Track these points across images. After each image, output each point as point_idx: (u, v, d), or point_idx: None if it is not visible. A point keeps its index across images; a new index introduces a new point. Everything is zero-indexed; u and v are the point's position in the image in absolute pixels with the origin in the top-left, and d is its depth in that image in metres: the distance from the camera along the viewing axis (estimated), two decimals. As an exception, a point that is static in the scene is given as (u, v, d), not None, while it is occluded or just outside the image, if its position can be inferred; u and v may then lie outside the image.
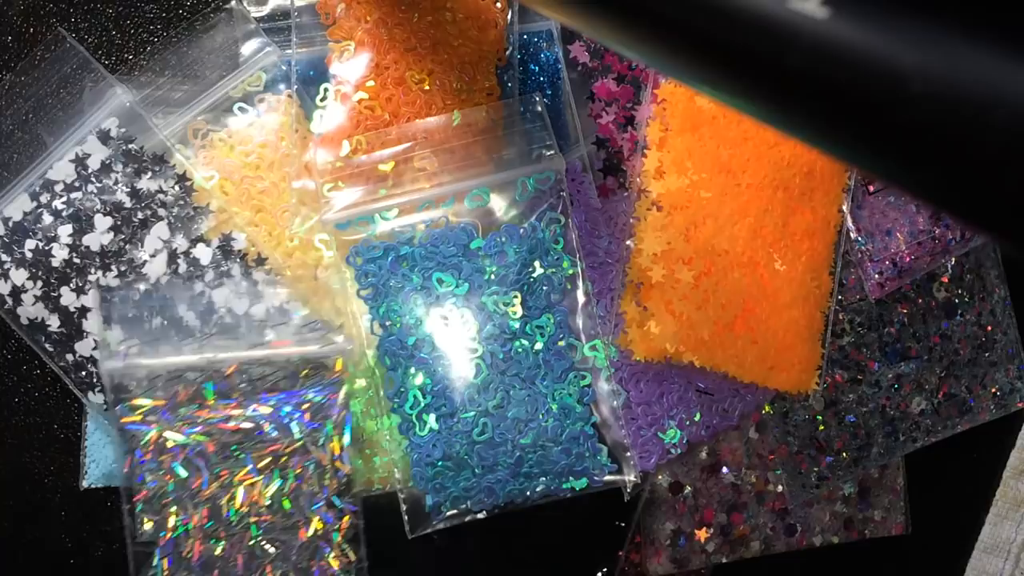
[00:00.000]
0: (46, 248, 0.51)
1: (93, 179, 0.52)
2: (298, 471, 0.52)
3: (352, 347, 0.53)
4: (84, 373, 0.52)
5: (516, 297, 0.54)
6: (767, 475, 0.63)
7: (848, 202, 0.59)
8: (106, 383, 0.51)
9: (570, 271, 0.55)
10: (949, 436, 0.65)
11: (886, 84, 0.14)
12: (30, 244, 0.51)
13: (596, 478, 0.55)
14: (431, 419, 0.53)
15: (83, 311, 0.52)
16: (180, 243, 0.52)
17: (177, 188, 0.53)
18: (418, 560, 0.60)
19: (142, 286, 0.52)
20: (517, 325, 0.54)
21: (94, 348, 0.52)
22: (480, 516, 0.54)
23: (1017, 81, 0.13)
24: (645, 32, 0.18)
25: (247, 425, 0.51)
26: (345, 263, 0.53)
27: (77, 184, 0.52)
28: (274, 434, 0.51)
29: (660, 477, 0.61)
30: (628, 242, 0.55)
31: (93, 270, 0.51)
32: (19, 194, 0.51)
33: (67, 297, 0.51)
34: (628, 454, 0.55)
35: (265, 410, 0.51)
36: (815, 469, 0.62)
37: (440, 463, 0.53)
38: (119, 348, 0.50)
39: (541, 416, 0.53)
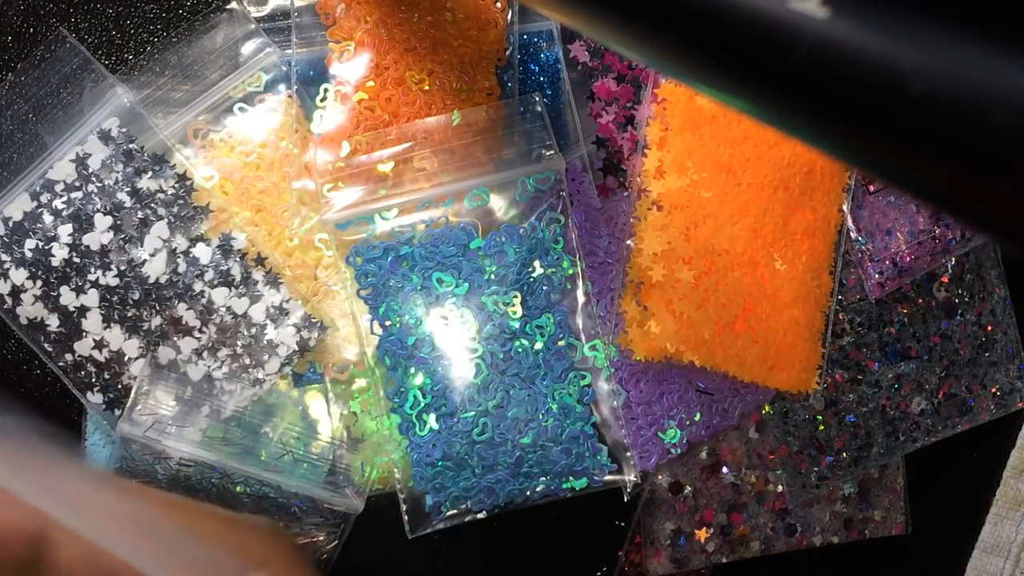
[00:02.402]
0: (46, 248, 0.51)
1: (93, 179, 0.52)
2: None
3: (360, 510, 0.54)
4: (83, 373, 0.52)
5: (516, 297, 0.54)
6: (767, 475, 0.63)
7: (848, 202, 0.59)
8: (116, 438, 0.52)
9: (570, 271, 0.55)
10: (949, 436, 0.65)
11: (886, 84, 0.14)
12: (30, 244, 0.51)
13: (596, 478, 0.55)
14: (431, 419, 0.53)
15: (82, 311, 0.51)
16: (180, 242, 0.52)
17: (177, 188, 0.53)
18: (418, 560, 0.60)
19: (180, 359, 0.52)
20: (517, 325, 0.54)
21: (93, 347, 0.52)
22: (480, 516, 0.54)
23: (1017, 81, 0.13)
24: (645, 32, 0.18)
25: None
26: (345, 263, 0.53)
27: (77, 184, 0.52)
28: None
29: (660, 477, 0.61)
30: (628, 242, 0.55)
31: (93, 269, 0.51)
32: (19, 194, 0.51)
33: (67, 297, 0.51)
34: (628, 454, 0.55)
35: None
36: (815, 469, 0.62)
37: (440, 463, 0.53)
38: (142, 418, 0.51)
39: (541, 416, 0.53)
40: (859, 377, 0.62)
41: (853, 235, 0.60)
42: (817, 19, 0.15)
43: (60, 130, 0.52)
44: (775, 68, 0.16)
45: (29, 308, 0.51)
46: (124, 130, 0.52)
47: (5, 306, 0.51)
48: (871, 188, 0.60)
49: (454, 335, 0.53)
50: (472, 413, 0.53)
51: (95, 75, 0.52)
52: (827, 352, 0.59)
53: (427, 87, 0.54)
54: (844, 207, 0.58)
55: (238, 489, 0.52)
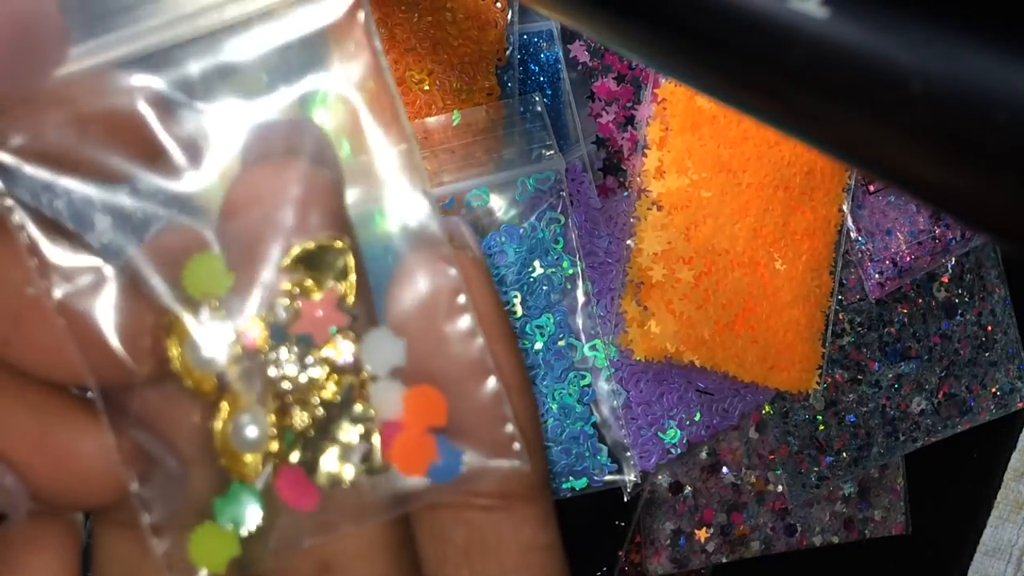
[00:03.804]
0: (46, 248, 0.51)
1: (93, 179, 0.52)
2: None
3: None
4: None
5: (516, 297, 0.54)
6: (767, 475, 0.63)
7: (848, 201, 0.59)
8: None
9: (570, 271, 0.55)
10: (949, 436, 0.65)
11: (886, 84, 0.14)
12: (30, 244, 0.51)
13: (596, 478, 0.55)
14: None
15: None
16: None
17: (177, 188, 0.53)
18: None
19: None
20: (517, 325, 0.54)
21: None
22: (480, 516, 0.54)
23: (1018, 81, 0.13)
24: (644, 32, 0.18)
25: None
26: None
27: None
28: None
29: (660, 477, 0.61)
30: (628, 242, 0.55)
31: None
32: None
33: (67, 297, 0.51)
34: (628, 454, 0.55)
35: None
36: (815, 469, 0.62)
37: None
38: None
39: (541, 416, 0.53)
40: (859, 377, 0.62)
41: (853, 235, 0.60)
42: (817, 19, 0.15)
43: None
44: (774, 68, 0.16)
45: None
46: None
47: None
48: (871, 188, 0.60)
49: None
50: (472, 413, 0.53)
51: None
52: (827, 352, 0.59)
53: (427, 87, 0.54)
54: (844, 207, 0.58)
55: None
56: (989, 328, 0.65)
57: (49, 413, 0.18)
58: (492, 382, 0.18)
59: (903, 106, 0.14)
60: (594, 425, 0.55)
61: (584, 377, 0.55)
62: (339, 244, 0.18)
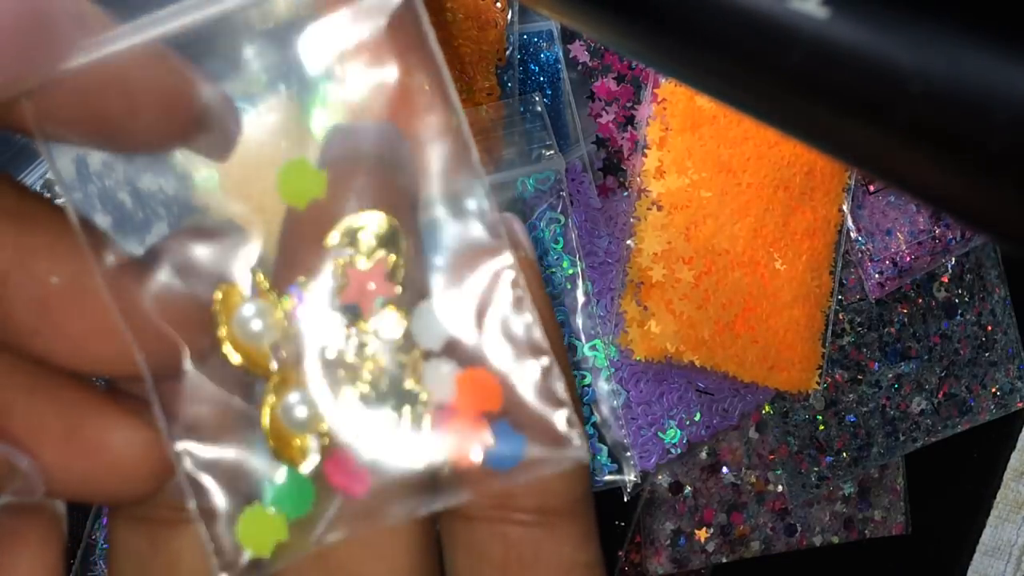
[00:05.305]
0: (46, 248, 0.51)
1: (94, 179, 0.52)
2: None
3: None
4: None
5: (516, 297, 0.54)
6: (767, 475, 0.63)
7: (848, 201, 0.59)
8: None
9: (570, 271, 0.55)
10: (949, 436, 0.65)
11: (886, 84, 0.14)
12: (30, 244, 0.51)
13: (596, 478, 0.55)
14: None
15: (83, 311, 0.51)
16: (180, 243, 0.52)
17: (177, 187, 0.53)
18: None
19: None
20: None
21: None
22: (480, 516, 0.54)
23: (1018, 81, 0.13)
24: (644, 33, 0.18)
25: None
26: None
27: (77, 184, 0.52)
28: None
29: (660, 477, 0.61)
30: (628, 242, 0.55)
31: (93, 270, 0.51)
32: (19, 194, 0.51)
33: (67, 297, 0.51)
34: (628, 454, 0.55)
35: None
36: (815, 469, 0.62)
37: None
38: None
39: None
40: (859, 377, 0.62)
41: (853, 235, 0.60)
42: (817, 19, 0.15)
43: (60, 130, 0.52)
44: (775, 69, 0.16)
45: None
46: (124, 130, 0.52)
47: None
48: (871, 188, 0.60)
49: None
50: (472, 413, 0.53)
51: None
52: (827, 352, 0.59)
53: (427, 87, 0.54)
54: (844, 207, 0.58)
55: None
56: (989, 328, 0.65)
57: (78, 407, 0.17)
58: (553, 370, 0.17)
59: (903, 106, 0.14)
60: (594, 425, 0.55)
61: (584, 377, 0.55)
62: (389, 220, 0.18)
